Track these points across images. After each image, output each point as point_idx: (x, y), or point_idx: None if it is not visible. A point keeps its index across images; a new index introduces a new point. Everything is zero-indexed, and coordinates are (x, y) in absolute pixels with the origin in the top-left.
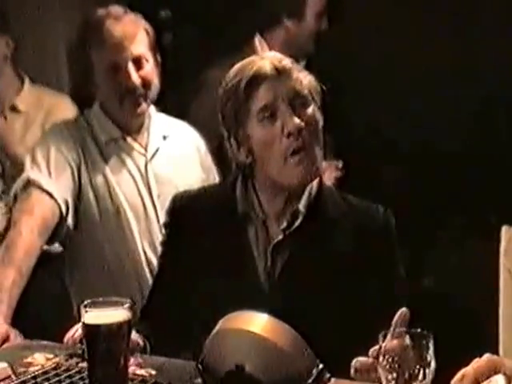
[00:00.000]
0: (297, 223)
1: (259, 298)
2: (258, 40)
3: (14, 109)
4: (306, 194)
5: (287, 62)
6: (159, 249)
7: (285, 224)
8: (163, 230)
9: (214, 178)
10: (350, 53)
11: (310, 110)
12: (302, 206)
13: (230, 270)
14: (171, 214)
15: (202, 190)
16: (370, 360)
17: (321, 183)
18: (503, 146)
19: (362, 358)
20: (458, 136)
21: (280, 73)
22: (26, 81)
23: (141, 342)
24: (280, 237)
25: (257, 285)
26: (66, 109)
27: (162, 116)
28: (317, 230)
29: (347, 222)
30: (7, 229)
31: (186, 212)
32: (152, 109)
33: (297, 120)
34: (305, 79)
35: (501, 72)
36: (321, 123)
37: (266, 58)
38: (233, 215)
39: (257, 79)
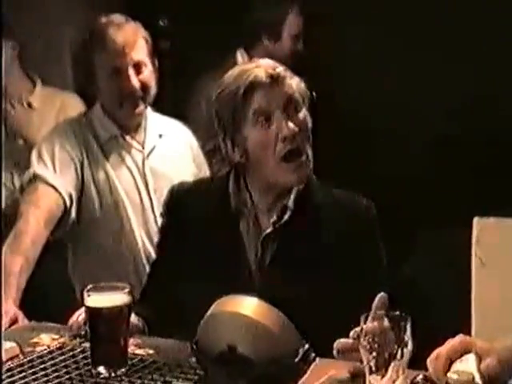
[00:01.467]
0: (286, 217)
1: (250, 284)
2: (240, 53)
3: (29, 105)
4: (295, 189)
5: (280, 69)
6: (155, 238)
7: (275, 218)
8: (160, 220)
9: (205, 172)
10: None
11: (301, 114)
12: (291, 201)
13: (223, 258)
14: (168, 205)
15: (197, 183)
16: (351, 341)
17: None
18: (476, 144)
19: (343, 340)
20: (434, 134)
21: (274, 80)
22: (38, 83)
23: (140, 325)
24: (270, 229)
25: (248, 273)
26: (76, 106)
27: (158, 116)
28: (304, 223)
29: (332, 214)
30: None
31: (181, 203)
32: (148, 109)
33: (291, 125)
34: (296, 84)
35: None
36: (310, 125)
37: (261, 65)
38: (226, 208)
39: (253, 86)
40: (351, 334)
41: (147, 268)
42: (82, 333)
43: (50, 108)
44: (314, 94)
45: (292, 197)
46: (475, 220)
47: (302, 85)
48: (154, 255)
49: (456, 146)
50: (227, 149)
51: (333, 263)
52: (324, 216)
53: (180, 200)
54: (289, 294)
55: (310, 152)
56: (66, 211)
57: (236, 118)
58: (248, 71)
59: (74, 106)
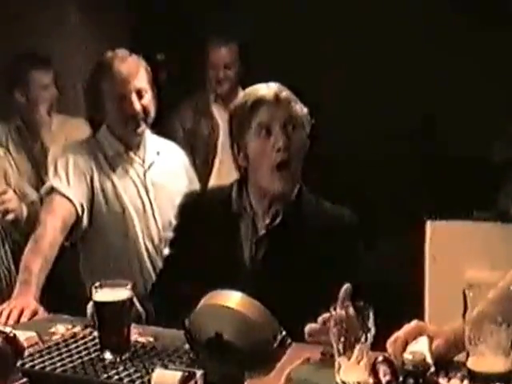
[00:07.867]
0: (277, 221)
1: (245, 277)
2: None
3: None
4: (289, 198)
5: (287, 93)
6: (155, 240)
7: (268, 221)
8: (173, 221)
9: (196, 184)
10: None
11: (298, 133)
12: (283, 207)
13: (224, 255)
14: (182, 209)
15: (207, 190)
16: (319, 326)
17: (301, 189)
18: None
19: (312, 324)
20: (394, 156)
21: (279, 100)
22: (54, 111)
23: (143, 315)
24: (263, 231)
25: (243, 268)
26: (81, 129)
27: (155, 137)
28: (293, 227)
29: (318, 221)
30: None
31: (193, 207)
32: (147, 131)
33: (286, 139)
34: (299, 109)
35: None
36: (307, 146)
37: (270, 87)
38: (228, 212)
39: (260, 102)
40: (319, 319)
41: (149, 265)
42: (92, 323)
43: (62, 129)
44: (313, 121)
45: (284, 204)
46: (428, 223)
47: (305, 110)
48: (154, 255)
49: (411, 163)
50: (234, 154)
51: (315, 261)
52: (311, 222)
53: (191, 206)
54: (276, 286)
55: (299, 167)
56: (79, 218)
57: (241, 127)
58: (257, 89)
59: (78, 128)
